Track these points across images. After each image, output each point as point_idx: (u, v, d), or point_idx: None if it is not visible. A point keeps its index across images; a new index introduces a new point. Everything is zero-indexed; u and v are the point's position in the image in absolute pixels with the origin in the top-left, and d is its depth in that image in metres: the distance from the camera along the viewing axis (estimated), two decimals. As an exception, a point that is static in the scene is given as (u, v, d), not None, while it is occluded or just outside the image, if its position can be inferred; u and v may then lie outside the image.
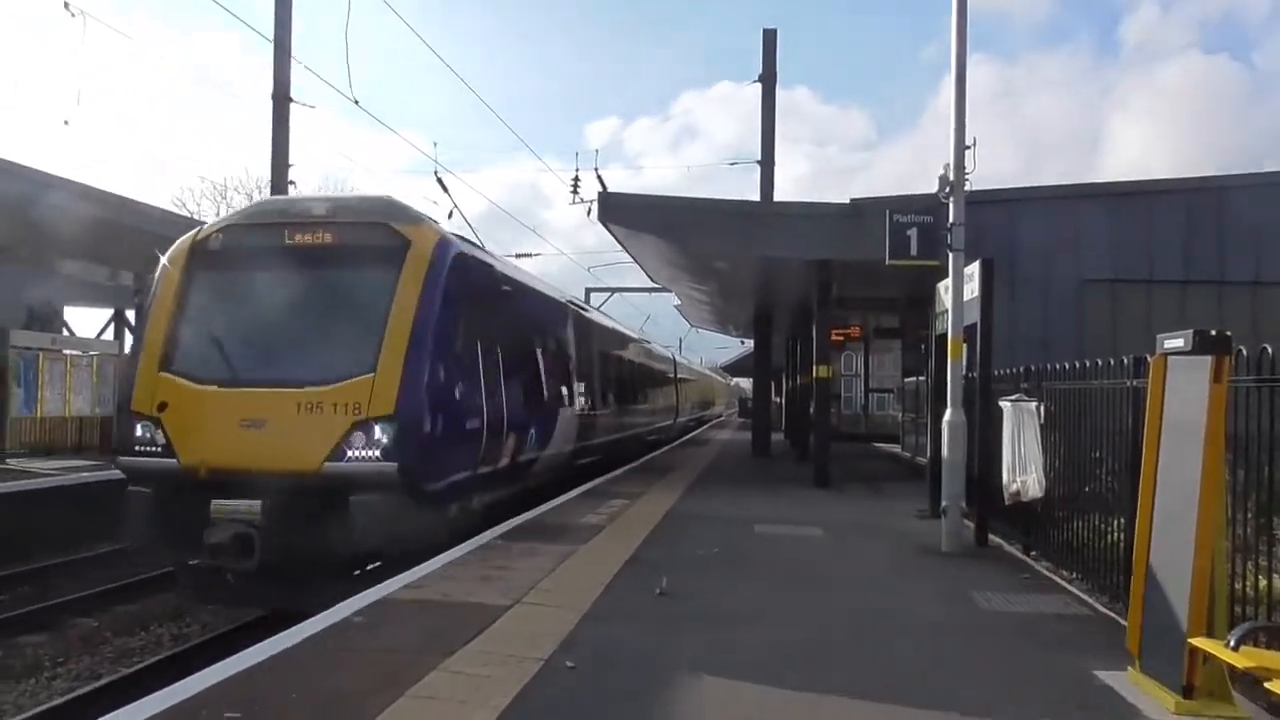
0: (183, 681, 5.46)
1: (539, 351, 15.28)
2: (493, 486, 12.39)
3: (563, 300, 18.88)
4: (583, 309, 21.73)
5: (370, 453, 9.77)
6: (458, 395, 11.03)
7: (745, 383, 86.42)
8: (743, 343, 56.58)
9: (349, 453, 9.76)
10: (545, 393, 15.17)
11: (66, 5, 14.65)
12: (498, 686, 5.56)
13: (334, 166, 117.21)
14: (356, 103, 16.99)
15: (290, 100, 16.90)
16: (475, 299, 11.73)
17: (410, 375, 10.04)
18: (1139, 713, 5.40)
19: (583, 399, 18.48)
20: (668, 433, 36.55)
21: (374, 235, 10.84)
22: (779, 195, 24.76)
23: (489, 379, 11.86)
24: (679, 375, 42.31)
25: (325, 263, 10.73)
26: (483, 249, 14.20)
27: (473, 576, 8.70)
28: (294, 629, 6.68)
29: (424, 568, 9.01)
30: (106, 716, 4.93)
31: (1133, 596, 6.03)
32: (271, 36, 16.83)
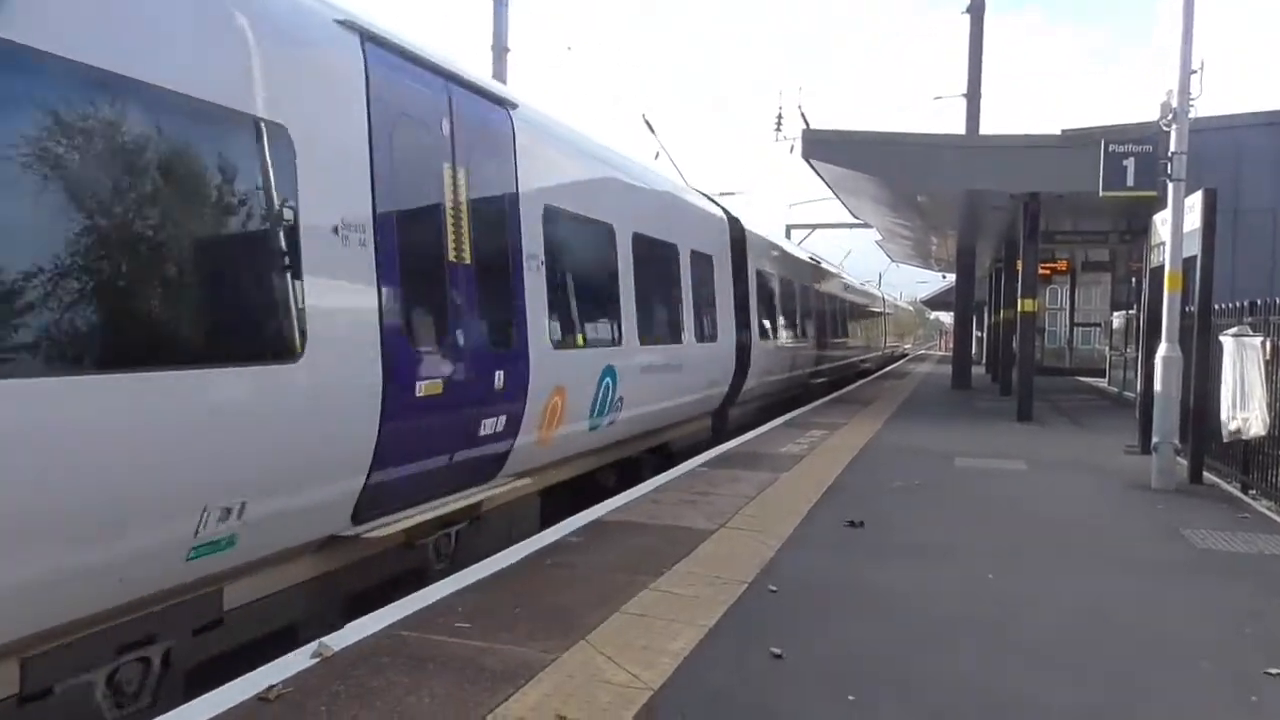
0: (419, 592, 5.72)
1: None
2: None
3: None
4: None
5: None
6: None
7: (945, 316, 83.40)
8: (944, 277, 54.52)
9: None
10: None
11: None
12: (704, 607, 5.58)
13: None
14: (569, 48, 17.14)
15: (508, 51, 17.17)
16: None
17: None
18: (1375, 665, 4.87)
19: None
20: (872, 363, 36.16)
21: None
22: (988, 128, 23.65)
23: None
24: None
25: None
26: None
27: (679, 501, 8.78)
28: (512, 548, 6.89)
29: (633, 491, 9.16)
30: (359, 619, 5.23)
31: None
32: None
